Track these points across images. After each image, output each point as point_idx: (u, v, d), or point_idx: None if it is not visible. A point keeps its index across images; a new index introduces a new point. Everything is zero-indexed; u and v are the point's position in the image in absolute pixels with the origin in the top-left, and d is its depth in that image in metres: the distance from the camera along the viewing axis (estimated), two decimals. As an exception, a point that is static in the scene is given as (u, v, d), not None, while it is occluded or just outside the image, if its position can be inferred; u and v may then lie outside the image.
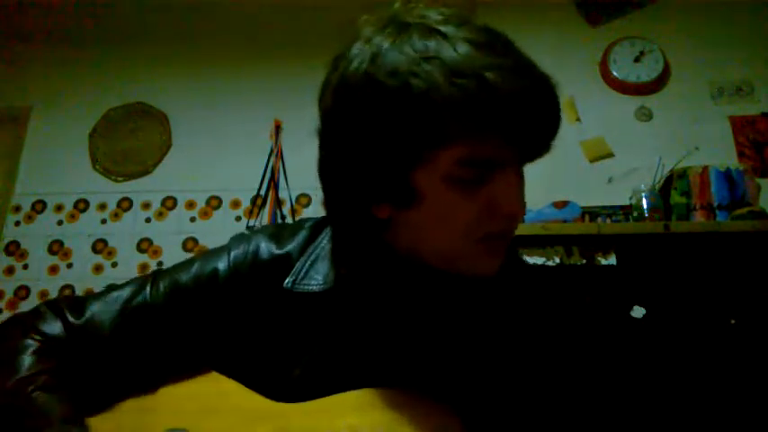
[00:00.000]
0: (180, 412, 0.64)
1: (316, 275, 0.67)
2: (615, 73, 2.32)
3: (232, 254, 0.71)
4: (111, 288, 0.72)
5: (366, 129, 0.56)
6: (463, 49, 0.53)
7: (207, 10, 2.70)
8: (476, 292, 0.64)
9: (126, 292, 0.70)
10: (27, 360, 0.64)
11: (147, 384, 0.68)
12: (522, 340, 0.64)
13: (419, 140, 0.54)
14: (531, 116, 0.54)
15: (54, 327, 0.67)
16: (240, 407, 0.64)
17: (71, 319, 0.68)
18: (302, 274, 0.68)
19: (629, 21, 2.40)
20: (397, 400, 0.59)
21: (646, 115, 2.28)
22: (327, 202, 0.66)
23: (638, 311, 1.73)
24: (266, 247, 0.71)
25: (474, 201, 0.56)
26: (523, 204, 0.60)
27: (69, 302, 0.70)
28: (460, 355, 0.62)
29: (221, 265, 0.70)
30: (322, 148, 0.63)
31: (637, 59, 2.32)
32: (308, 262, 0.69)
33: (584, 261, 1.82)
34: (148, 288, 0.70)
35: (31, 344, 0.66)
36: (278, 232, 0.74)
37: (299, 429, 0.60)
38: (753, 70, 2.27)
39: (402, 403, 0.59)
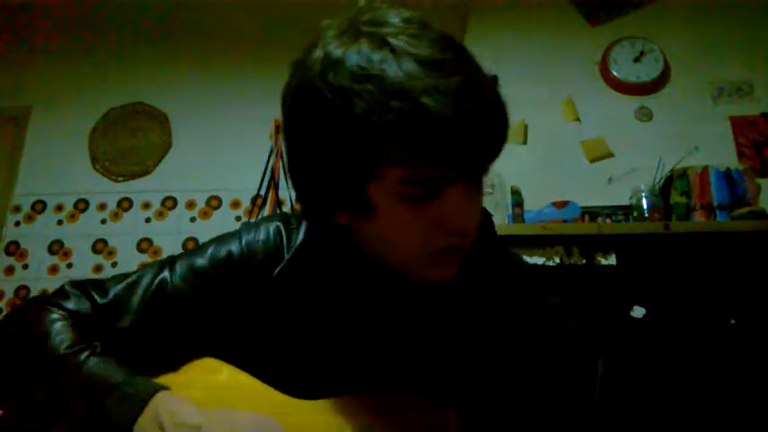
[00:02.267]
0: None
1: (301, 266, 0.70)
2: (615, 73, 2.31)
3: (244, 239, 0.73)
4: (126, 274, 0.73)
5: (317, 141, 0.57)
6: (408, 67, 0.52)
7: (207, 10, 2.70)
8: (438, 294, 0.66)
9: (145, 276, 0.71)
10: (67, 334, 0.64)
11: (165, 369, 0.68)
12: (491, 336, 0.66)
13: (366, 157, 0.55)
14: (467, 142, 0.53)
15: (82, 305, 0.68)
16: (254, 398, 0.64)
17: (97, 298, 0.69)
18: (288, 263, 0.70)
19: (629, 21, 2.40)
20: (391, 400, 0.61)
21: (646, 115, 2.28)
22: (298, 202, 0.68)
23: (638, 311, 1.73)
24: (276, 229, 0.74)
25: (422, 217, 0.57)
26: (476, 218, 0.60)
27: (93, 283, 0.71)
28: (428, 350, 0.65)
29: (234, 248, 0.72)
30: (286, 149, 0.64)
31: (637, 59, 2.32)
32: (297, 252, 0.71)
33: (584, 261, 1.82)
34: (167, 271, 0.71)
35: (65, 320, 0.66)
36: (287, 218, 0.76)
37: (314, 427, 0.61)
38: (753, 70, 2.27)
39: (394, 403, 0.60)
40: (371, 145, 0.53)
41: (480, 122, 0.54)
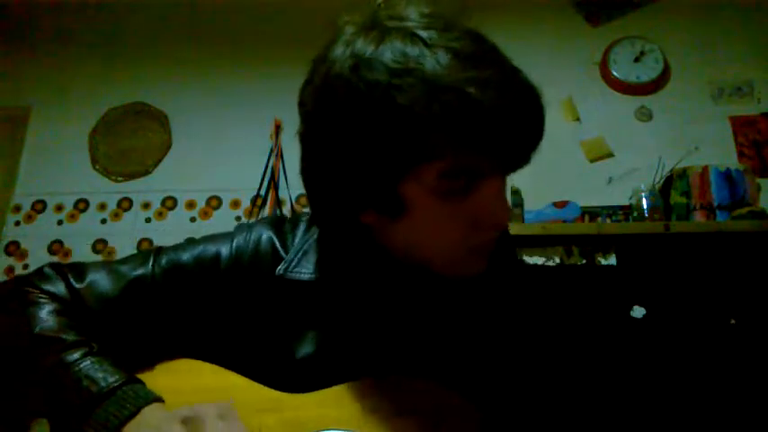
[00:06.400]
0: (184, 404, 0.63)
1: (307, 265, 0.69)
2: (615, 73, 2.32)
3: (235, 242, 0.72)
4: (112, 261, 0.72)
5: (349, 140, 0.55)
6: (445, 59, 0.52)
7: (207, 10, 2.70)
8: (460, 288, 0.65)
9: (127, 264, 0.70)
10: (52, 321, 0.63)
11: (144, 371, 0.67)
12: (506, 329, 0.66)
13: (404, 154, 0.54)
14: (512, 132, 0.53)
15: (59, 287, 0.68)
16: (246, 397, 0.64)
17: (73, 281, 0.68)
18: (294, 262, 0.69)
19: (629, 21, 2.40)
20: (404, 386, 0.60)
21: (646, 115, 2.28)
22: (311, 205, 0.66)
23: (638, 311, 1.73)
24: (267, 238, 0.72)
25: (460, 214, 0.57)
26: (509, 210, 0.59)
27: (71, 267, 0.70)
28: (446, 344, 0.64)
29: (224, 250, 0.71)
30: (304, 151, 0.62)
31: (637, 59, 2.32)
32: (301, 252, 0.70)
33: (584, 261, 1.82)
34: (150, 263, 0.70)
35: (45, 302, 0.66)
36: (279, 223, 0.75)
37: (308, 420, 0.60)
38: (753, 70, 2.27)
39: (409, 390, 0.60)
40: (411, 138, 0.52)
41: (523, 110, 0.54)
